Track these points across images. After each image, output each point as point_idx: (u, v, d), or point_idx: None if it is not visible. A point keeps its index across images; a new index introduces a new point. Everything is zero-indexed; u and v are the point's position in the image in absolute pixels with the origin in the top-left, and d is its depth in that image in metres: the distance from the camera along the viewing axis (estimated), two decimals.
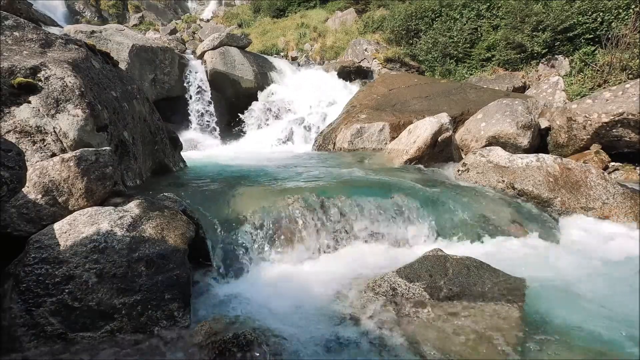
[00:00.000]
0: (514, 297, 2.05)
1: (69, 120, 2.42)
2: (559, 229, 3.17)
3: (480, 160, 3.92)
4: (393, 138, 5.46)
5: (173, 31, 13.82)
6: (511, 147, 5.01)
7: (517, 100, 5.52)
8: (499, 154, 3.87)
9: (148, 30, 13.76)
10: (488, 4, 8.90)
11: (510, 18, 8.12)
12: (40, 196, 2.01)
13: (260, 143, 7.41)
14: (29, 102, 2.36)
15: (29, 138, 2.32)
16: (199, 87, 8.25)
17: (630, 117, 4.75)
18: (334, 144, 6.15)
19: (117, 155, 2.79)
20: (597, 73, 6.79)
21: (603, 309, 1.98)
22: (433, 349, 1.70)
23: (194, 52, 9.68)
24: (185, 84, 8.15)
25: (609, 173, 4.76)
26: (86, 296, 1.70)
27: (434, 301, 2.03)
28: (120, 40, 7.21)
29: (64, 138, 2.39)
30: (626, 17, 6.96)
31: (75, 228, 1.88)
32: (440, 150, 4.68)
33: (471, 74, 8.58)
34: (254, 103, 8.39)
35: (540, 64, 7.78)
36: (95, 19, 14.99)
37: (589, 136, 5.10)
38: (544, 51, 7.67)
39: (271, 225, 2.70)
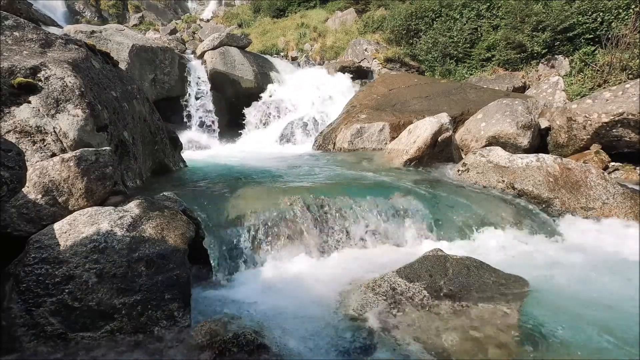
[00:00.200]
0: (514, 297, 2.05)
1: (69, 120, 2.42)
2: (559, 229, 3.17)
3: (480, 160, 3.92)
4: (393, 138, 5.46)
5: (173, 31, 13.81)
6: (511, 147, 5.01)
7: (517, 100, 5.52)
8: (499, 154, 3.87)
9: (148, 30, 13.75)
10: (488, 4, 8.90)
11: (510, 18, 8.12)
12: (40, 196, 2.01)
13: (260, 143, 7.41)
14: (29, 102, 2.36)
15: (29, 138, 2.32)
16: (199, 87, 8.25)
17: (630, 117, 4.75)
18: (334, 144, 6.15)
19: (117, 155, 2.79)
20: (597, 73, 6.79)
21: (603, 309, 1.98)
22: (433, 348, 1.70)
23: (194, 52, 9.68)
24: (185, 84, 8.15)
25: (609, 173, 4.76)
26: (86, 296, 1.70)
27: (434, 301, 2.02)
28: (120, 40, 7.21)
29: (64, 138, 2.39)
30: (626, 17, 6.96)
31: (75, 228, 1.88)
32: (440, 150, 4.68)
33: (471, 74, 8.58)
34: (254, 103, 8.39)
35: (540, 64, 7.78)
36: (95, 19, 14.98)
37: (589, 136, 5.10)
38: (544, 51, 7.67)
39: (271, 226, 2.70)
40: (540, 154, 3.73)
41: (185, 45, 11.90)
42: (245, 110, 8.25)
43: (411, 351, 1.70)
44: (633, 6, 6.94)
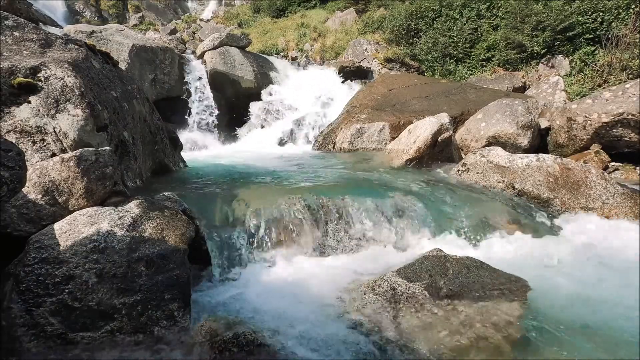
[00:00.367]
0: (514, 297, 2.05)
1: (69, 120, 2.42)
2: (559, 229, 3.17)
3: (480, 160, 3.92)
4: (393, 138, 5.46)
5: (173, 31, 13.80)
6: (511, 147, 5.01)
7: (517, 100, 5.52)
8: (499, 154, 3.87)
9: (148, 30, 13.74)
10: (488, 4, 8.90)
11: (510, 18, 8.12)
12: (40, 196, 2.01)
13: (260, 143, 7.41)
14: (29, 102, 2.36)
15: (29, 138, 2.32)
16: (199, 87, 8.25)
17: (630, 117, 4.75)
18: (334, 144, 6.15)
19: (117, 155, 2.79)
20: (597, 73, 6.79)
21: (604, 309, 1.98)
22: (433, 348, 1.70)
23: (194, 52, 9.67)
24: (185, 84, 8.15)
25: (609, 173, 4.76)
26: (86, 296, 1.70)
27: (434, 301, 2.03)
28: (120, 40, 7.21)
29: (64, 138, 2.39)
30: (626, 17, 6.96)
31: (75, 228, 1.88)
32: (440, 150, 4.68)
33: (471, 74, 8.58)
34: (254, 103, 8.39)
35: (540, 64, 7.78)
36: (95, 19, 14.98)
37: (589, 136, 5.10)
38: (543, 51, 7.67)
39: (271, 226, 2.70)
40: (540, 154, 3.73)
41: (185, 45, 11.90)
42: (245, 111, 8.25)
43: (411, 351, 1.70)
44: (633, 6, 6.94)
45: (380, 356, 1.68)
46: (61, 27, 8.84)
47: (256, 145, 7.34)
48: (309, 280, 2.36)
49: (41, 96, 2.39)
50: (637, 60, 6.38)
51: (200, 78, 8.34)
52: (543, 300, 2.05)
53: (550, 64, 7.66)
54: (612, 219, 3.23)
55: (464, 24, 8.91)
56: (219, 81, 8.39)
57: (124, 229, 1.91)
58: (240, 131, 8.11)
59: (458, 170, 4.05)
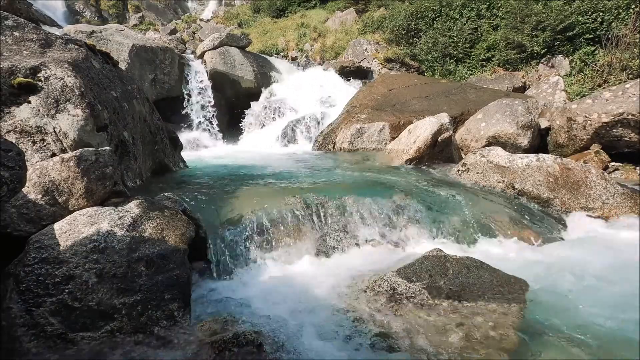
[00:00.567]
0: (514, 297, 2.05)
1: (69, 120, 2.42)
2: (559, 229, 3.17)
3: (480, 160, 3.92)
4: (393, 138, 5.46)
5: (173, 31, 13.81)
6: (511, 147, 5.01)
7: (517, 100, 5.52)
8: (499, 154, 3.87)
9: (148, 30, 13.75)
10: (488, 4, 8.90)
11: (510, 18, 8.12)
12: (40, 196, 2.01)
13: (260, 143, 7.41)
14: (29, 102, 2.36)
15: (29, 138, 2.32)
16: (199, 87, 8.25)
17: (630, 117, 4.75)
18: (334, 144, 6.15)
19: (117, 155, 2.79)
20: (597, 73, 6.79)
21: (604, 309, 1.98)
22: (433, 348, 1.70)
23: (194, 52, 9.68)
24: (185, 84, 8.15)
25: (609, 173, 4.75)
26: (86, 296, 1.70)
27: (434, 301, 2.03)
28: (120, 40, 7.21)
29: (64, 138, 2.39)
30: (626, 17, 6.96)
31: (75, 228, 1.88)
32: (440, 150, 4.68)
33: (471, 74, 8.58)
34: (254, 103, 8.39)
35: (540, 64, 7.77)
36: (95, 19, 14.98)
37: (589, 136, 5.10)
38: (543, 51, 7.67)
39: (271, 225, 2.70)
40: (540, 154, 3.73)
41: (185, 45, 11.91)
42: (246, 110, 8.25)
43: (411, 351, 1.70)
44: (633, 6, 6.93)
45: (380, 356, 1.68)
46: (61, 27, 8.84)
47: (256, 145, 7.34)
48: (309, 280, 2.36)
49: (41, 96, 2.39)
50: (637, 60, 6.38)
51: (200, 78, 8.34)
52: (543, 300, 2.05)
53: (550, 64, 7.66)
54: (612, 219, 3.23)
55: (464, 24, 8.91)
56: (219, 81, 8.40)
57: (124, 229, 1.91)
58: (240, 131, 8.11)
59: (458, 170, 4.05)
